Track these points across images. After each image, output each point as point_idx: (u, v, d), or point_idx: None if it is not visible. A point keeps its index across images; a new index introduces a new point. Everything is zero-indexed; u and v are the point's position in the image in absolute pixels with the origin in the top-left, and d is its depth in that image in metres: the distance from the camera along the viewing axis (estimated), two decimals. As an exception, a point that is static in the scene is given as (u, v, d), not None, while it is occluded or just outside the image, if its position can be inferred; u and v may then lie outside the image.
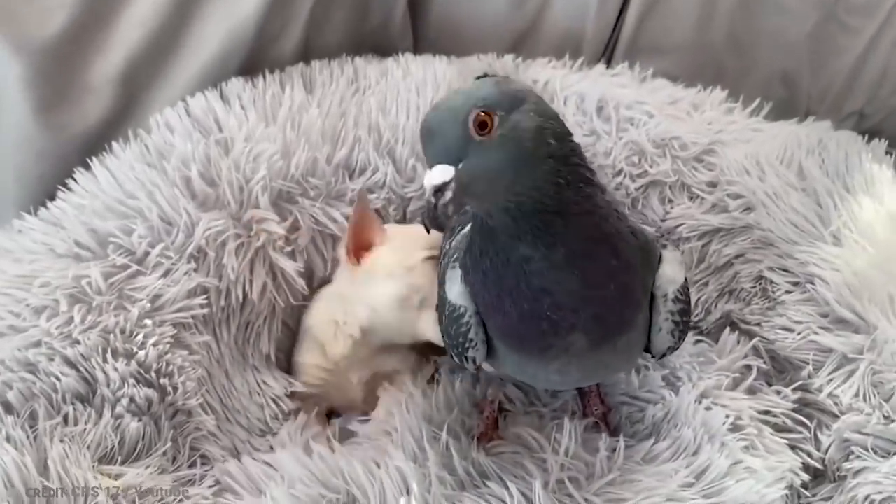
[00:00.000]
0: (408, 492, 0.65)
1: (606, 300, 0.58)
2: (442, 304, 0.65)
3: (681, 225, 0.87)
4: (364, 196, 0.80)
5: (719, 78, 0.99)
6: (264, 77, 0.88)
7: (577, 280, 0.57)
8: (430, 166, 0.53)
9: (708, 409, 0.73)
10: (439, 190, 0.52)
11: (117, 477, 0.65)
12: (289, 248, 0.82)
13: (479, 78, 0.89)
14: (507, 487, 0.65)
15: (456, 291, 0.63)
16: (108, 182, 0.79)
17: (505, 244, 0.57)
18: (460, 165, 0.52)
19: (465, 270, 0.62)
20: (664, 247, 0.63)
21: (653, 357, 0.66)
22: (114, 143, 0.83)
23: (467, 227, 0.65)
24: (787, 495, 0.69)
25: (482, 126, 0.52)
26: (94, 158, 0.82)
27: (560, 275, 0.56)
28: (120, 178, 0.79)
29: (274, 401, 0.80)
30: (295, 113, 0.84)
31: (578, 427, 0.72)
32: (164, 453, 0.69)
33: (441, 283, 0.66)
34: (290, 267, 0.81)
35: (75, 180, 0.80)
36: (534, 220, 0.55)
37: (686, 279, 0.64)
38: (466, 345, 0.63)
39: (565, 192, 0.55)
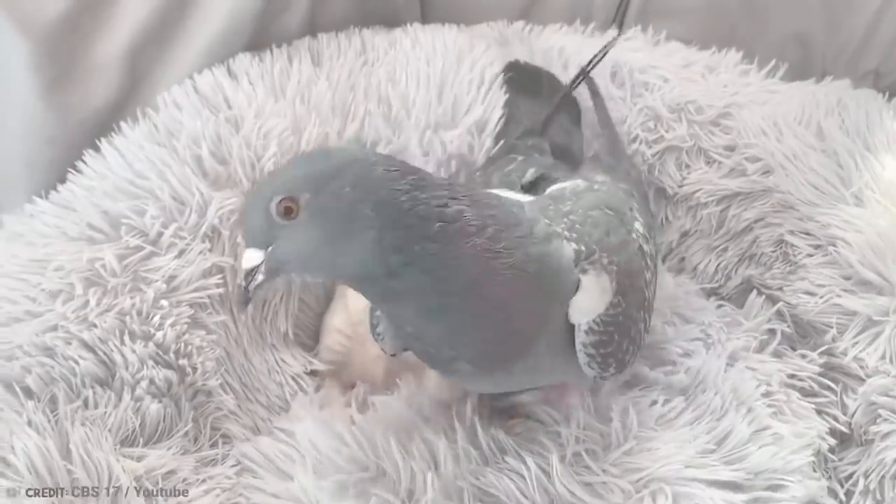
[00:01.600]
0: (436, 467, 0.65)
1: (484, 339, 0.57)
2: None
3: (698, 190, 0.86)
4: None
5: (732, 40, 0.97)
6: (271, 52, 0.86)
7: (441, 328, 0.56)
8: (246, 248, 0.55)
9: (739, 373, 0.72)
10: (250, 273, 0.54)
11: (139, 459, 0.65)
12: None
13: (510, 64, 0.89)
14: (524, 462, 0.64)
15: None
16: (117, 163, 0.78)
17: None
18: (269, 249, 0.53)
19: None
20: (584, 271, 0.59)
21: None
22: (122, 124, 0.81)
23: None
24: (813, 462, 0.68)
25: (287, 211, 0.53)
26: (102, 139, 0.81)
27: (421, 324, 0.56)
28: (129, 159, 0.78)
29: (293, 378, 0.79)
30: (304, 87, 0.83)
31: (589, 398, 0.71)
32: (186, 434, 0.69)
33: None
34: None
35: (84, 162, 0.79)
36: (371, 286, 0.55)
37: (613, 303, 0.60)
38: (375, 336, 0.65)
39: (395, 258, 0.53)
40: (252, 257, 0.54)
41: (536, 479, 0.64)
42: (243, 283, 0.54)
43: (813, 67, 1.03)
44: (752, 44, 0.97)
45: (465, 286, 0.54)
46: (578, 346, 0.59)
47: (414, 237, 0.53)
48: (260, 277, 0.54)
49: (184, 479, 0.66)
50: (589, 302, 0.59)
